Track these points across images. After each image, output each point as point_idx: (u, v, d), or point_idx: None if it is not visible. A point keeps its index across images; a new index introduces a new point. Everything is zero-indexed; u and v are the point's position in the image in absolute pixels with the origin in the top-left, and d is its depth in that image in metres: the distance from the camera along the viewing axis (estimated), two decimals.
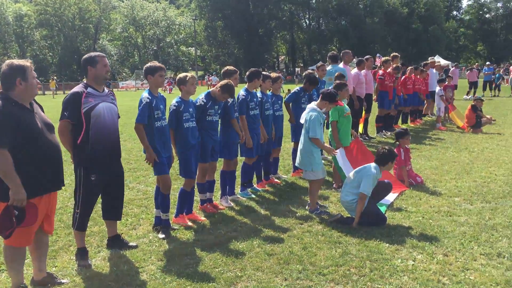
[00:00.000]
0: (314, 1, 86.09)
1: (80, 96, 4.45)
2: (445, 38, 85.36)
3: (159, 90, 5.69)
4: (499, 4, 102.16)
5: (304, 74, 8.86)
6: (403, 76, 13.81)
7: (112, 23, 77.87)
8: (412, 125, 14.41)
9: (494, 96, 25.34)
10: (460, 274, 4.11)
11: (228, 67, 6.83)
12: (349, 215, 5.64)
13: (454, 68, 26.19)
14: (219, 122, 6.41)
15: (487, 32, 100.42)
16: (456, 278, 4.03)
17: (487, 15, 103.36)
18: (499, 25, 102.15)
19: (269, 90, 7.55)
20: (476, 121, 12.65)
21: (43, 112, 4.05)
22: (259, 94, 7.18)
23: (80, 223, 4.61)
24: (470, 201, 6.28)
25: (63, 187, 4.21)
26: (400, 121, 14.22)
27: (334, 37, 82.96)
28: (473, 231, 5.10)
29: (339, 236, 5.12)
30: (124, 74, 74.73)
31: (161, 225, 5.48)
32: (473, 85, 24.95)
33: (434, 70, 16.31)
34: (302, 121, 6.10)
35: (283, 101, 7.96)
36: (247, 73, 6.95)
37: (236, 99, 6.59)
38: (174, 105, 5.71)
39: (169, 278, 4.24)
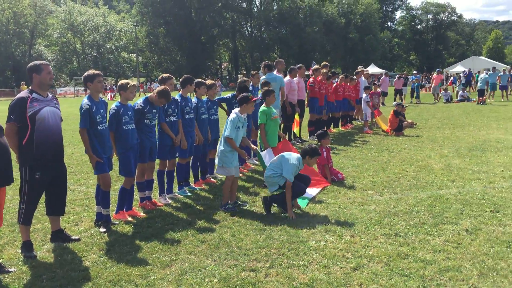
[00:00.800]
0: (255, 10, 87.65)
1: (25, 101, 4.87)
2: (380, 47, 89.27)
3: (100, 95, 6.15)
4: (430, 16, 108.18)
5: (238, 82, 9.54)
6: (334, 84, 14.85)
7: (49, 28, 75.55)
8: (343, 129, 15.47)
9: (418, 103, 27.18)
10: (361, 250, 4.88)
11: (163, 74, 7.38)
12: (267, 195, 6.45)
13: (384, 76, 27.92)
14: (156, 125, 6.93)
15: (419, 43, 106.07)
16: (357, 253, 4.79)
17: (418, 26, 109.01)
18: (430, 35, 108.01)
19: (205, 96, 8.16)
20: (398, 125, 13.82)
21: None
22: (194, 100, 7.76)
23: (26, 218, 5.01)
24: (381, 193, 7.15)
25: (12, 183, 4.61)
26: (332, 125, 15.23)
27: (276, 45, 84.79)
28: (378, 217, 5.92)
29: (265, 225, 5.78)
30: (62, 80, 72.78)
31: (102, 220, 5.93)
32: (398, 92, 26.67)
33: (363, 78, 17.51)
34: None
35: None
36: (180, 79, 7.52)
37: (174, 102, 7.12)
38: (114, 109, 6.18)
39: (109, 263, 4.73)
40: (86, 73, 6.02)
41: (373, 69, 63.78)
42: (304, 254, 4.83)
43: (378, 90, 17.75)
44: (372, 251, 4.84)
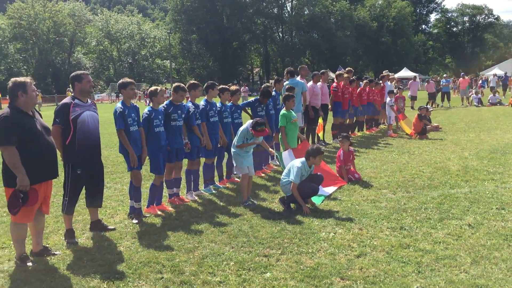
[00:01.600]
0: (287, 15, 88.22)
1: (68, 106, 5.56)
2: (413, 51, 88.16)
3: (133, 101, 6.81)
4: (466, 18, 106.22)
5: (262, 87, 10.12)
6: (359, 89, 15.24)
7: (87, 36, 78.25)
8: (368, 132, 15.80)
9: (449, 107, 27.13)
10: (366, 241, 5.34)
11: (191, 81, 8.02)
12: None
13: (413, 80, 27.98)
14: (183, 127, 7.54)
15: (455, 45, 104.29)
16: (363, 243, 5.25)
17: (454, 29, 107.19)
18: (466, 38, 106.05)
19: (229, 101, 8.75)
20: (422, 129, 14.07)
21: (41, 118, 5.15)
22: (218, 104, 8.36)
23: (69, 208, 5.69)
24: (394, 192, 7.55)
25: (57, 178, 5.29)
26: (356, 129, 15.61)
27: (307, 49, 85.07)
28: (387, 213, 6.35)
29: (280, 218, 6.30)
30: (99, 86, 75.05)
31: (135, 213, 6.58)
32: (431, 95, 26.67)
33: (389, 83, 17.83)
34: None
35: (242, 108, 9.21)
36: (204, 86, 8.15)
37: (197, 108, 7.73)
38: (146, 113, 6.83)
39: (140, 249, 5.35)
40: (120, 81, 6.71)
41: (405, 72, 63.39)
42: (314, 243, 5.32)
43: (403, 94, 17.97)
44: (376, 242, 5.29)
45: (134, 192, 6.61)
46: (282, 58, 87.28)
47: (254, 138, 7.11)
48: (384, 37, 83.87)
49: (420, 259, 4.74)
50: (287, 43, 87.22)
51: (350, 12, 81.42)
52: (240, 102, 9.42)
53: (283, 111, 8.58)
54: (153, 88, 7.12)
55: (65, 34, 73.15)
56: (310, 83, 12.49)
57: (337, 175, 8.50)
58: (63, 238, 5.75)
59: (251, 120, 7.26)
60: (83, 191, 5.97)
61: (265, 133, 7.18)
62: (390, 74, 18.46)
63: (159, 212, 6.86)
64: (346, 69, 15.95)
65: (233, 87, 9.06)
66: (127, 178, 8.89)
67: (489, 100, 27.91)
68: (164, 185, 7.30)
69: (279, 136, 8.53)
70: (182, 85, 7.64)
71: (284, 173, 7.02)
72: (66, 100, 5.67)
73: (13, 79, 4.93)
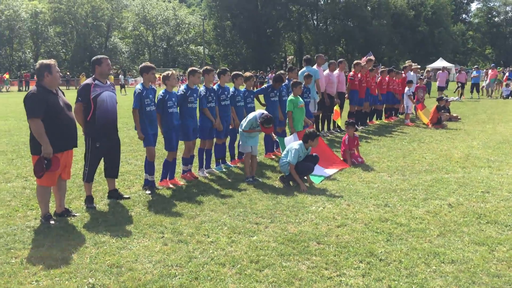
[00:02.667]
0: (322, 2, 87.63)
1: (89, 86, 6.29)
2: (451, 41, 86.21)
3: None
4: (508, 8, 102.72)
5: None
6: (379, 78, 15.57)
7: (124, 21, 79.94)
8: (386, 121, 16.11)
9: (479, 98, 26.93)
10: (350, 214, 5.89)
11: (206, 66, 8.68)
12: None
13: (441, 71, 27.87)
14: (197, 109, 8.20)
15: (496, 36, 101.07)
16: (346, 216, 5.81)
17: (496, 19, 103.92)
18: (508, 28, 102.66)
19: (243, 87, 9.36)
20: (438, 119, 14.33)
21: (64, 96, 5.89)
22: (232, 89, 8.97)
23: (89, 177, 6.45)
24: (391, 175, 8.03)
25: (76, 154, 6.04)
26: (375, 117, 15.96)
27: (341, 38, 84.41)
28: (377, 192, 6.87)
29: (278, 194, 6.91)
30: (134, 71, 76.88)
31: (148, 185, 7.30)
32: (462, 85, 26.52)
33: (411, 73, 18.04)
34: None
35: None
36: (217, 71, 8.80)
37: (209, 91, 8.35)
38: (161, 95, 7.51)
39: (149, 214, 6.06)
40: (143, 64, 7.44)
41: (441, 63, 62.20)
42: (302, 215, 5.91)
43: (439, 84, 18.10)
44: (359, 216, 5.84)
45: (149, 166, 7.32)
46: (316, 46, 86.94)
47: (259, 128, 7.74)
48: (421, 27, 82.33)
49: (393, 231, 5.27)
50: (322, 31, 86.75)
51: (387, 0, 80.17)
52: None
53: (290, 96, 9.13)
54: (165, 72, 7.80)
55: (102, 18, 75.01)
56: (326, 71, 12.95)
57: (341, 158, 9.02)
58: (84, 203, 6.52)
59: (262, 112, 7.88)
60: (102, 163, 6.72)
61: (271, 130, 7.87)
62: (412, 64, 18.61)
63: (171, 186, 7.56)
64: (368, 58, 16.28)
65: (247, 74, 9.66)
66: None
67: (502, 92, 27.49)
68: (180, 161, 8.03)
69: (287, 120, 9.13)
70: (197, 68, 8.31)
71: (283, 154, 7.62)
72: (88, 81, 6.39)
73: (40, 61, 5.68)
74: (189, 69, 8.29)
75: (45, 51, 72.96)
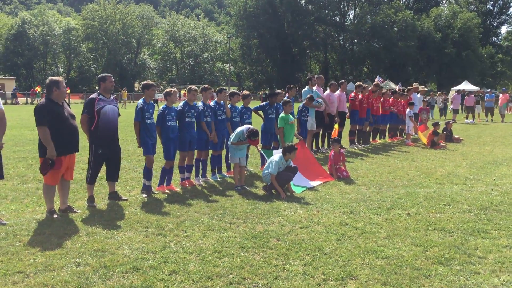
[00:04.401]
0: (348, 23, 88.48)
1: (94, 100, 7.25)
2: (479, 63, 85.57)
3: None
4: None
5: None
6: (382, 99, 16.25)
7: (153, 38, 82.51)
8: (390, 140, 16.71)
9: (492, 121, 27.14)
10: (316, 219, 6.62)
11: (204, 85, 9.59)
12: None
13: (456, 94, 28.24)
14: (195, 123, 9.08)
15: None
16: (311, 220, 6.53)
17: None
18: None
19: (241, 104, 10.24)
20: (432, 141, 14.86)
21: (69, 107, 6.86)
22: (229, 106, 9.84)
23: (91, 179, 7.37)
24: (369, 188, 8.71)
25: (79, 164, 6.96)
26: (378, 136, 16.58)
27: (367, 58, 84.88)
28: (348, 202, 7.57)
29: (259, 200, 7.68)
30: (162, 87, 79.03)
31: (146, 189, 8.18)
32: (469, 109, 26.83)
33: (418, 95, 18.65)
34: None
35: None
36: (216, 90, 9.69)
37: (207, 107, 9.24)
38: (161, 110, 8.43)
39: (139, 213, 6.91)
40: (145, 82, 8.41)
41: (466, 86, 61.97)
42: (273, 218, 6.68)
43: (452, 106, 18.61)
44: (323, 220, 6.56)
45: (147, 172, 8.22)
46: (342, 66, 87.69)
47: (246, 140, 8.58)
48: (448, 49, 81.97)
49: (347, 233, 5.98)
50: (347, 51, 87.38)
51: (414, 22, 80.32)
52: None
53: (282, 114, 9.97)
54: (168, 89, 8.74)
55: (133, 35, 77.74)
56: (327, 91, 13.73)
57: (328, 172, 9.75)
58: (86, 202, 7.43)
59: (248, 126, 8.73)
60: (104, 167, 7.64)
61: (257, 142, 8.72)
62: (419, 86, 19.20)
63: (167, 191, 8.42)
64: (380, 80, 17.04)
65: (245, 92, 10.54)
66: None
67: None
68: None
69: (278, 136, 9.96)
70: (195, 87, 9.24)
71: (265, 166, 8.41)
72: (93, 95, 7.37)
73: (50, 78, 6.69)
74: (188, 87, 9.21)
75: (77, 65, 75.90)
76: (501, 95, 27.69)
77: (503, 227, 6.28)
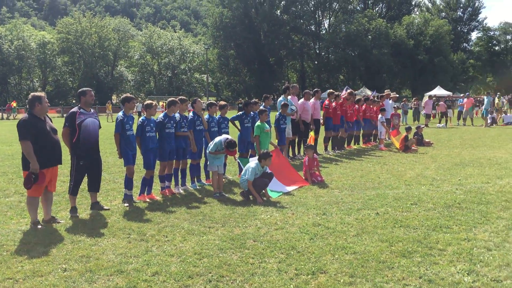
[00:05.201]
0: (323, 32, 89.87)
1: (75, 114, 7.52)
2: (451, 69, 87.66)
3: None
4: (508, 37, 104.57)
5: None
6: (356, 106, 16.79)
7: (130, 50, 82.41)
8: (364, 146, 17.25)
9: (464, 125, 28.04)
10: (290, 221, 6.99)
11: (181, 97, 9.91)
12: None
13: (428, 99, 29.11)
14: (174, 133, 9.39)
15: (496, 64, 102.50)
16: (286, 222, 6.90)
17: (496, 48, 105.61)
18: (508, 57, 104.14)
19: (218, 114, 10.60)
20: (404, 145, 15.44)
21: (51, 122, 7.12)
22: (206, 116, 10.19)
23: (73, 190, 7.62)
24: (341, 190, 9.14)
25: (63, 178, 7.22)
26: (352, 142, 17.10)
27: (342, 66, 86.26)
28: (321, 204, 7.97)
29: (237, 206, 8.02)
30: (139, 99, 78.86)
31: (127, 198, 8.45)
32: (442, 114, 27.68)
33: (390, 101, 19.31)
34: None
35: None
36: (192, 101, 10.05)
37: (184, 118, 9.57)
38: (140, 121, 8.73)
39: (122, 221, 7.19)
40: (124, 95, 8.72)
41: (438, 91, 63.52)
42: (250, 221, 7.03)
43: (399, 112, 19.31)
44: (297, 222, 6.94)
45: (128, 182, 8.49)
46: (318, 74, 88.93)
47: (224, 150, 8.93)
48: (420, 55, 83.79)
49: (319, 232, 6.36)
50: (323, 60, 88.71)
51: (387, 30, 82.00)
52: None
53: (258, 123, 10.38)
54: (148, 102, 9.08)
55: (109, 48, 77.51)
56: (302, 100, 14.19)
57: (303, 177, 10.15)
58: (69, 213, 7.66)
59: (226, 137, 9.08)
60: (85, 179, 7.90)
61: (235, 153, 9.06)
62: (391, 93, 19.86)
63: (147, 200, 8.70)
64: (349, 90, 17.67)
65: (222, 102, 10.91)
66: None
67: (503, 119, 28.67)
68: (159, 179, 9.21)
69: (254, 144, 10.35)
70: (175, 99, 9.56)
71: (242, 173, 8.77)
72: (74, 109, 7.65)
73: (32, 93, 6.96)
74: (169, 99, 9.53)
75: (52, 79, 75.28)
76: (465, 100, 28.53)
77: (463, 222, 6.75)
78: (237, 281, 4.82)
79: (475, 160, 13.02)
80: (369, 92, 47.76)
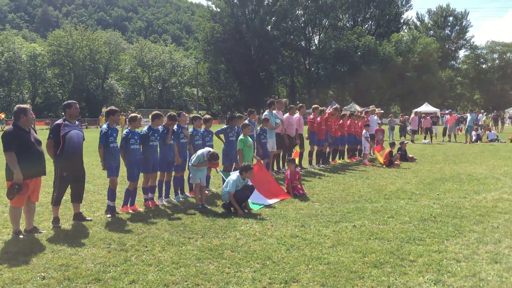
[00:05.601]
0: (313, 48, 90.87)
1: (60, 126, 7.66)
2: (439, 86, 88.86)
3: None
4: (495, 56, 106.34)
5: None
6: (341, 121, 17.07)
7: (121, 63, 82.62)
8: (348, 160, 17.47)
9: (449, 141, 28.44)
10: (269, 232, 7.14)
11: (171, 112, 10.04)
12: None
13: (414, 116, 29.53)
14: (158, 146, 9.54)
15: (484, 82, 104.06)
16: (264, 233, 7.05)
17: (483, 66, 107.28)
18: (496, 75, 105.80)
19: (203, 127, 10.78)
20: (389, 161, 15.71)
21: (36, 133, 7.25)
22: (191, 130, 10.36)
23: (56, 201, 7.72)
24: (322, 204, 9.31)
25: (47, 189, 7.33)
26: (337, 157, 17.33)
27: (332, 82, 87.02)
28: (301, 216, 8.13)
29: (218, 217, 8.16)
30: (130, 112, 78.83)
31: (110, 209, 8.56)
32: (428, 130, 28.10)
33: (375, 117, 19.63)
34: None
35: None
36: (176, 113, 10.22)
37: (167, 130, 9.72)
38: (125, 134, 8.88)
39: (103, 232, 7.29)
40: (109, 108, 8.84)
41: (426, 107, 64.33)
42: (230, 232, 7.17)
43: (383, 127, 19.63)
44: (276, 233, 7.09)
45: (111, 193, 8.61)
46: (308, 89, 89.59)
47: (206, 162, 9.10)
48: (409, 72, 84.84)
49: (296, 243, 6.52)
50: (313, 75, 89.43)
51: (376, 47, 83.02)
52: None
53: (241, 136, 10.57)
54: (133, 115, 9.24)
55: (100, 61, 77.66)
56: (287, 114, 14.42)
57: (285, 191, 10.32)
58: (51, 223, 7.75)
59: (209, 149, 9.25)
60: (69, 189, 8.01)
61: (217, 165, 9.24)
62: (376, 109, 20.21)
63: (130, 211, 8.81)
64: (335, 106, 17.97)
65: (207, 116, 11.10)
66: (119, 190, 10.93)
67: (487, 136, 29.14)
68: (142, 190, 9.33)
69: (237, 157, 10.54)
70: (159, 113, 9.73)
71: (224, 185, 8.94)
72: (59, 121, 7.79)
73: (17, 105, 7.09)
74: (153, 113, 9.71)
75: (42, 91, 75.08)
76: (448, 117, 28.96)
77: (436, 235, 6.94)
78: None
79: (456, 175, 13.29)
80: (358, 108, 48.28)
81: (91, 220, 8.08)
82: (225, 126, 11.65)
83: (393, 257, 5.90)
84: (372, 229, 7.29)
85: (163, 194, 9.83)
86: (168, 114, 9.98)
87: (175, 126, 10.04)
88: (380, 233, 7.07)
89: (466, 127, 27.82)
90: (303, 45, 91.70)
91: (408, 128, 29.87)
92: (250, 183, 9.00)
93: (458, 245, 6.46)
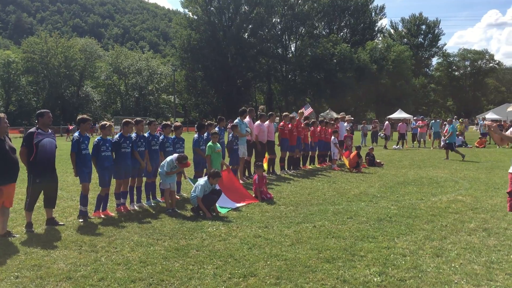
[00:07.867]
0: (290, 55, 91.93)
1: (33, 134, 7.98)
2: (412, 93, 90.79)
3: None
4: (467, 63, 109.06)
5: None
6: (311, 128, 17.63)
7: (97, 71, 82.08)
8: (319, 166, 18.03)
9: (419, 147, 29.35)
10: (234, 233, 7.57)
11: (137, 118, 10.43)
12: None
13: (387, 122, 30.38)
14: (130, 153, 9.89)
15: (456, 88, 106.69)
16: (229, 234, 7.47)
17: (456, 73, 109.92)
18: (467, 82, 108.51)
19: (173, 134, 11.17)
20: (357, 163, 16.33)
21: (11, 141, 7.56)
22: (161, 137, 10.74)
23: (29, 206, 8.01)
24: (287, 206, 9.79)
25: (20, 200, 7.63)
26: (308, 162, 17.87)
27: (309, 89, 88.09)
28: (266, 218, 8.58)
29: (187, 220, 8.55)
30: (106, 119, 78.28)
31: (82, 214, 8.87)
32: (402, 136, 28.96)
33: (345, 123, 20.27)
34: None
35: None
36: (147, 122, 10.59)
37: (140, 137, 10.09)
38: (96, 141, 9.22)
39: (75, 235, 7.61)
40: (80, 116, 9.19)
41: (400, 114, 65.74)
42: (197, 234, 7.58)
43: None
44: (240, 234, 7.53)
45: (83, 199, 8.93)
46: (285, 96, 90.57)
47: (177, 167, 9.50)
48: (383, 79, 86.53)
49: (258, 243, 6.97)
50: (290, 82, 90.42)
51: (351, 54, 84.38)
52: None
53: (209, 143, 11.00)
54: (103, 122, 9.57)
55: (75, 68, 77.03)
56: (258, 122, 14.91)
57: (253, 195, 10.78)
58: (24, 228, 8.04)
59: (176, 155, 9.66)
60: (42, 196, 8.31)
61: (188, 164, 9.61)
62: (345, 116, 20.87)
63: (102, 216, 9.14)
64: (309, 108, 18.53)
65: (177, 123, 11.50)
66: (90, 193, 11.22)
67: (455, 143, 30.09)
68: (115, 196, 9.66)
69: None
70: (130, 120, 10.10)
71: (192, 190, 9.36)
72: (32, 130, 8.11)
73: None
74: (123, 120, 10.07)
75: (16, 99, 74.08)
76: (419, 122, 29.92)
77: (389, 233, 7.48)
78: (175, 284, 5.37)
79: (418, 179, 13.94)
80: (334, 115, 49.20)
81: (63, 224, 8.39)
82: (196, 135, 12.02)
83: (346, 253, 6.40)
84: (331, 229, 7.78)
85: (135, 199, 10.17)
86: (150, 121, 10.37)
87: (146, 134, 10.41)
88: (338, 232, 7.57)
89: (433, 132, 28.75)
90: (280, 52, 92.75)
91: (381, 134, 30.70)
92: (217, 187, 9.43)
93: (407, 241, 7.00)
